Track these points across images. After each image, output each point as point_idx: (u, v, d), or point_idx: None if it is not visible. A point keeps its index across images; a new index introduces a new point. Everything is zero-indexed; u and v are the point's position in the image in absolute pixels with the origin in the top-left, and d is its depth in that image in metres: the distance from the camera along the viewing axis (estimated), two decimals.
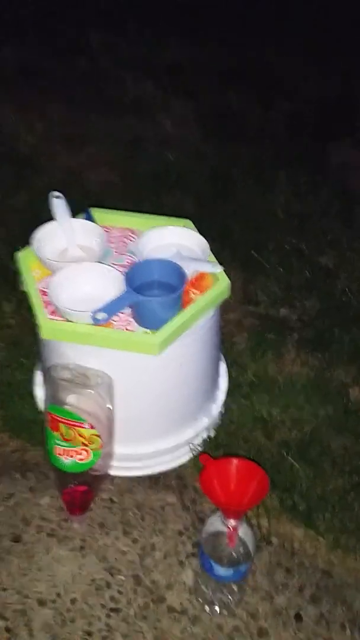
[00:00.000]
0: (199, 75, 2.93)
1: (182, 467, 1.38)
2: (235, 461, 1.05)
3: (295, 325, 1.71)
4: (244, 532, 1.07)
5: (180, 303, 1.21)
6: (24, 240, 1.32)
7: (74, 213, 1.39)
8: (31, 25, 3.33)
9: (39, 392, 1.46)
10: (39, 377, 1.49)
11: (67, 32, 3.27)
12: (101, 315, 1.15)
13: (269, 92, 2.79)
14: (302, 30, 3.29)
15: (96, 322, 1.15)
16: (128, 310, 1.22)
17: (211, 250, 1.34)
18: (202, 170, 2.27)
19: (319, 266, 1.86)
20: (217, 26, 3.32)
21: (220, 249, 1.81)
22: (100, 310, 1.15)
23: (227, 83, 2.86)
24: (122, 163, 2.33)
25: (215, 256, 1.33)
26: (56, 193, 1.36)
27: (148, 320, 1.20)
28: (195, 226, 1.40)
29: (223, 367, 1.51)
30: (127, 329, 1.20)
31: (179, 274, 1.21)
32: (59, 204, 1.36)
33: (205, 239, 1.34)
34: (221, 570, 1.07)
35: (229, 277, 1.29)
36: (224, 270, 1.29)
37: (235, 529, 1.04)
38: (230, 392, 1.48)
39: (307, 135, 2.49)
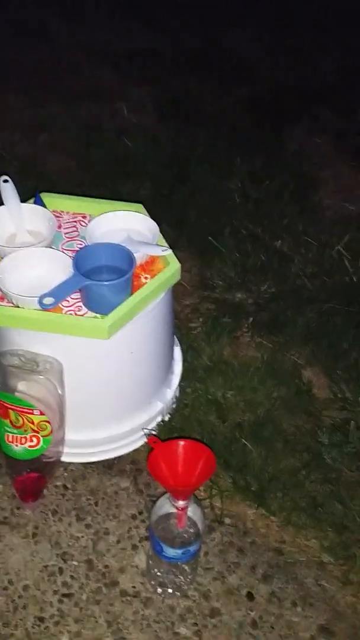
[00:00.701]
0: (157, 61, 2.91)
1: (136, 451, 1.38)
2: (181, 442, 1.05)
3: (250, 309, 1.71)
4: (192, 511, 1.08)
5: (129, 287, 1.20)
6: None
7: (28, 199, 1.37)
8: None
9: None
10: None
11: (25, 18, 3.22)
12: (48, 300, 1.14)
13: (227, 77, 2.79)
14: (261, 14, 3.29)
15: (44, 307, 1.14)
16: (78, 296, 1.21)
17: (168, 236, 1.33)
18: (159, 156, 2.26)
19: (274, 250, 1.87)
20: (176, 11, 3.29)
21: (177, 235, 1.82)
22: (47, 295, 1.14)
23: (185, 68, 2.85)
24: (79, 150, 2.31)
25: (171, 242, 1.32)
26: (4, 177, 1.34)
27: (97, 304, 1.19)
28: (152, 212, 1.39)
29: (178, 352, 1.51)
30: (76, 314, 1.19)
31: (128, 258, 1.20)
32: (7, 188, 1.33)
33: (162, 224, 1.34)
34: (170, 552, 1.08)
35: (184, 263, 1.29)
36: (178, 256, 1.29)
37: (184, 509, 1.05)
38: (185, 377, 1.48)
39: (264, 120, 2.49)
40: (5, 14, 3.23)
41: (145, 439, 1.37)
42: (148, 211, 1.39)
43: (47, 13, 3.23)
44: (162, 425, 1.39)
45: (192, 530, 1.09)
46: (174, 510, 1.06)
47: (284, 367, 1.56)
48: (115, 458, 1.36)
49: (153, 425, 1.39)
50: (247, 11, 3.30)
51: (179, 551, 1.08)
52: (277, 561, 1.22)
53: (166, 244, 1.32)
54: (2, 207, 1.33)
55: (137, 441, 1.38)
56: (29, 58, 2.90)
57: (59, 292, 1.15)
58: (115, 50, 2.98)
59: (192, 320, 1.68)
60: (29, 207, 1.36)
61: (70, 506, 1.29)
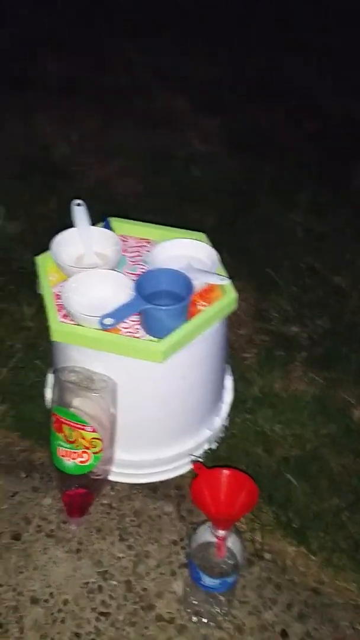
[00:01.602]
0: (229, 92, 2.97)
1: (181, 477, 1.39)
2: (226, 471, 1.06)
3: (304, 343, 1.71)
4: (232, 543, 1.08)
5: (186, 313, 1.23)
6: (50, 246, 1.36)
7: (98, 221, 1.42)
8: (72, 40, 3.42)
9: (50, 395, 1.49)
10: (51, 380, 1.52)
11: (106, 47, 3.36)
12: (108, 321, 1.18)
13: (297, 110, 2.82)
14: (335, 51, 3.32)
15: (104, 327, 1.18)
16: (137, 318, 1.25)
17: (228, 266, 1.36)
18: (225, 186, 2.31)
19: (332, 285, 1.86)
20: (250, 44, 3.36)
21: (237, 265, 1.84)
22: (108, 315, 1.18)
23: (256, 100, 2.90)
24: (148, 176, 2.38)
25: (231, 272, 1.35)
26: (77, 201, 1.40)
27: (154, 328, 1.22)
28: (214, 241, 1.42)
29: (229, 381, 1.52)
30: (134, 336, 1.23)
31: (187, 284, 1.23)
32: (79, 211, 1.39)
33: (223, 254, 1.37)
34: (208, 580, 1.08)
35: (242, 292, 1.31)
36: (236, 285, 1.31)
37: (223, 539, 1.05)
38: (234, 406, 1.49)
39: (331, 154, 2.50)
40: (86, 42, 3.37)
41: (190, 466, 1.38)
42: (210, 240, 1.42)
43: (126, 43, 3.35)
44: (208, 453, 1.40)
45: (230, 562, 1.10)
46: (213, 539, 1.07)
47: (335, 405, 1.54)
48: (160, 482, 1.38)
49: (200, 452, 1.40)
50: (318, 45, 3.33)
51: (217, 581, 1.08)
52: (314, 601, 1.21)
53: (225, 274, 1.34)
54: (73, 229, 1.39)
55: (183, 467, 1.39)
56: (106, 85, 3.02)
57: (119, 314, 1.19)
58: (189, 80, 3.07)
59: (245, 350, 1.69)
60: (98, 230, 1.41)
61: (114, 526, 1.31)
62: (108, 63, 3.22)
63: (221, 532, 1.04)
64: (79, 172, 2.42)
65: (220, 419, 1.44)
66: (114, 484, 1.37)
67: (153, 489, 1.38)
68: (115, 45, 3.38)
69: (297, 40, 3.38)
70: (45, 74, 3.12)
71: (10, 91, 2.91)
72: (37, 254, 1.39)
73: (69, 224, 1.39)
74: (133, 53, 3.30)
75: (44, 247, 1.37)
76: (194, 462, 1.34)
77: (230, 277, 1.32)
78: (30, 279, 1.77)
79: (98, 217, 1.44)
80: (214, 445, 1.42)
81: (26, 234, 2.02)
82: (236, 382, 1.54)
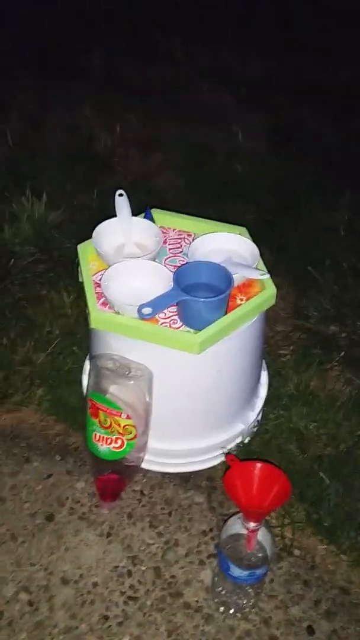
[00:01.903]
0: (274, 89, 2.95)
1: (213, 469, 1.40)
2: (259, 464, 1.06)
3: (343, 343, 1.70)
4: (262, 536, 1.09)
5: (225, 306, 1.24)
6: (90, 236, 1.38)
7: (138, 213, 1.44)
8: (120, 32, 3.45)
9: (86, 381, 1.51)
10: (87, 366, 1.54)
11: (153, 41, 3.37)
12: (146, 310, 1.19)
13: (342, 109, 2.79)
14: None
15: (142, 316, 1.19)
16: (174, 309, 1.26)
17: (267, 261, 1.36)
18: (267, 182, 2.30)
19: None
20: (299, 42, 3.34)
21: (277, 262, 1.84)
22: (146, 305, 1.19)
23: (301, 98, 2.87)
24: (190, 169, 2.38)
25: (270, 267, 1.35)
26: (120, 191, 1.42)
27: (192, 319, 1.23)
28: (255, 236, 1.42)
29: (265, 376, 1.52)
30: (171, 327, 1.24)
31: (227, 278, 1.24)
32: (121, 201, 1.41)
33: (263, 250, 1.37)
34: (237, 571, 1.09)
35: (281, 289, 1.30)
36: (275, 282, 1.31)
37: (254, 531, 1.06)
38: (269, 402, 1.49)
39: None
40: (135, 38, 3.40)
41: (222, 458, 1.39)
42: (251, 235, 1.42)
43: (173, 38, 3.36)
44: (240, 447, 1.41)
45: (260, 554, 1.10)
46: (244, 531, 1.07)
47: None
48: (191, 472, 1.39)
49: (232, 445, 1.41)
50: None
51: (246, 572, 1.09)
52: (342, 600, 1.20)
53: (265, 269, 1.34)
54: (115, 219, 1.40)
55: (215, 459, 1.40)
56: (153, 80, 3.04)
57: (158, 304, 1.20)
58: (235, 76, 3.06)
59: (282, 347, 1.69)
60: (139, 220, 1.43)
61: (145, 512, 1.33)
62: (154, 56, 3.23)
63: (252, 525, 1.05)
64: (120, 164, 2.44)
65: (254, 414, 1.44)
66: (146, 471, 1.38)
67: (185, 479, 1.39)
68: (162, 39, 3.39)
69: (347, 38, 3.33)
70: (91, 65, 3.15)
71: (57, 81, 2.95)
72: (77, 242, 1.41)
73: (110, 215, 1.41)
74: (179, 47, 3.31)
75: (84, 236, 1.39)
76: (227, 454, 1.34)
77: (270, 272, 1.31)
78: (70, 267, 1.82)
79: (138, 209, 1.45)
80: (247, 440, 1.42)
81: (67, 223, 2.05)
82: (272, 378, 1.54)
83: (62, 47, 3.28)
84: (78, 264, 1.38)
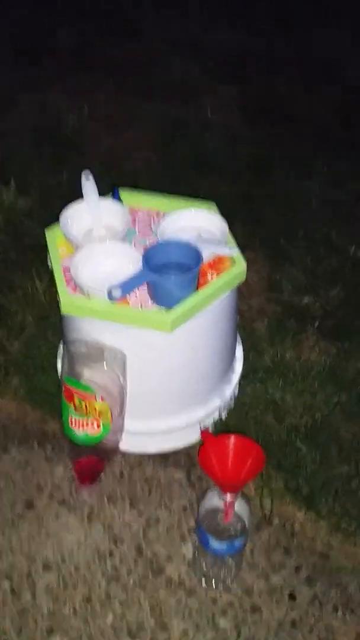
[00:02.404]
0: (245, 60, 2.92)
1: (192, 446, 1.41)
2: (232, 438, 1.07)
3: (317, 313, 1.70)
4: (240, 507, 1.10)
5: (195, 283, 1.24)
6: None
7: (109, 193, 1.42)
8: (86, 8, 3.38)
9: (61, 366, 1.51)
10: (62, 351, 1.54)
11: (119, 15, 3.31)
12: (116, 292, 1.19)
13: (315, 78, 2.77)
14: (354, 15, 3.23)
15: (111, 298, 1.19)
16: (146, 290, 1.26)
17: (241, 236, 1.36)
18: (240, 155, 2.28)
19: (347, 256, 1.84)
20: (265, 10, 3.29)
21: (251, 235, 1.84)
22: (115, 286, 1.19)
23: (273, 68, 2.85)
24: (162, 146, 2.36)
25: (244, 242, 1.35)
26: (86, 172, 1.40)
27: (163, 298, 1.23)
28: (228, 211, 1.41)
29: (240, 351, 1.52)
30: (142, 307, 1.24)
31: (196, 255, 1.23)
32: (88, 184, 1.39)
33: (236, 224, 1.37)
34: (216, 544, 1.10)
35: (254, 263, 1.31)
36: (248, 256, 1.30)
37: (231, 504, 1.07)
38: (245, 376, 1.50)
39: (350, 123, 2.45)
40: (100, 10, 3.33)
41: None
42: (224, 210, 1.41)
43: (140, 10, 3.30)
44: (218, 422, 1.42)
45: (238, 526, 1.11)
46: (221, 504, 1.09)
47: (347, 374, 1.54)
48: (170, 450, 1.40)
49: (210, 421, 1.42)
50: (339, 11, 3.24)
51: (224, 544, 1.10)
52: (322, 565, 1.22)
53: (235, 244, 1.34)
54: (82, 201, 1.39)
55: (193, 435, 1.40)
56: (120, 54, 2.99)
57: (127, 285, 1.20)
58: (204, 48, 3.02)
59: (256, 321, 1.69)
60: (107, 202, 1.41)
61: (125, 493, 1.34)
62: (120, 32, 3.17)
63: (228, 497, 1.06)
64: (91, 143, 2.41)
65: (230, 388, 1.45)
66: (124, 452, 1.39)
67: (164, 457, 1.40)
68: (130, 14, 3.33)
69: (318, 9, 3.29)
70: (56, 45, 3.09)
71: (22, 63, 2.89)
72: (48, 228, 1.40)
73: (80, 197, 1.39)
74: (146, 22, 3.25)
75: (55, 221, 1.38)
76: (202, 430, 1.35)
77: (243, 247, 1.31)
78: (41, 253, 1.79)
79: (110, 189, 1.44)
80: (224, 415, 1.43)
81: (37, 207, 2.03)
82: (247, 352, 1.54)
83: (28, 26, 3.21)
84: (47, 250, 1.37)
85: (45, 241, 1.38)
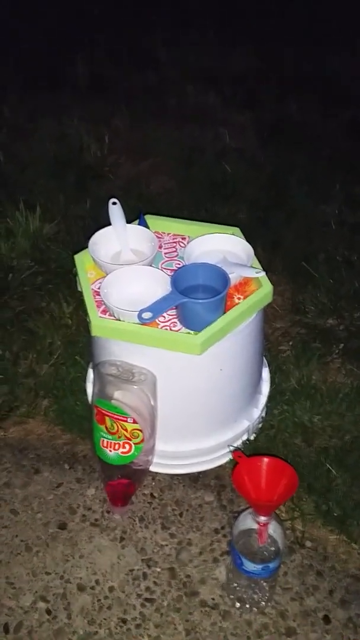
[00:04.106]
0: (259, 86, 2.97)
1: (221, 467, 1.41)
2: (265, 459, 1.08)
3: (341, 335, 1.71)
4: (274, 529, 1.10)
5: (223, 306, 1.25)
6: (85, 245, 1.40)
7: (131, 219, 1.46)
8: (103, 39, 3.47)
9: (90, 389, 1.52)
10: (90, 374, 1.56)
11: (135, 45, 3.39)
12: (147, 315, 1.21)
13: (330, 102, 2.81)
14: None
15: (142, 321, 1.21)
16: (174, 312, 1.28)
17: (262, 259, 1.38)
18: (258, 179, 2.31)
19: None
20: (282, 36, 3.35)
21: (271, 258, 1.86)
22: (146, 309, 1.21)
23: (287, 93, 2.89)
24: (180, 172, 2.40)
25: (265, 265, 1.37)
26: (113, 200, 1.44)
27: (191, 321, 1.25)
28: (248, 235, 1.44)
29: (266, 373, 1.54)
30: (171, 329, 1.25)
31: (223, 278, 1.26)
32: (115, 210, 1.43)
33: (257, 247, 1.39)
34: (251, 566, 1.10)
35: (277, 286, 1.32)
36: (271, 279, 1.32)
37: (265, 525, 1.07)
38: (272, 398, 1.51)
39: None
40: (115, 41, 3.41)
41: (230, 456, 1.41)
42: (244, 234, 1.44)
43: (154, 40, 3.38)
44: (247, 444, 1.42)
45: (272, 548, 1.12)
46: (255, 526, 1.09)
47: None
48: (200, 472, 1.41)
49: (238, 443, 1.42)
50: (350, 36, 3.30)
51: (259, 566, 1.10)
52: (356, 588, 1.22)
53: (260, 267, 1.36)
54: (110, 227, 1.42)
55: (223, 457, 1.41)
56: (136, 83, 3.05)
57: (157, 308, 1.22)
58: (219, 74, 3.08)
59: (282, 343, 1.70)
60: (134, 227, 1.44)
61: (157, 514, 1.34)
62: (136, 61, 3.25)
63: (263, 519, 1.07)
64: (111, 171, 2.46)
65: (258, 410, 1.46)
66: (154, 474, 1.40)
67: (193, 479, 1.40)
68: (143, 43, 3.41)
69: (330, 31, 3.36)
70: (75, 73, 3.16)
71: (42, 91, 2.96)
72: (74, 252, 1.43)
73: (104, 223, 1.43)
74: (161, 50, 3.33)
75: (80, 246, 1.41)
76: (234, 450, 1.36)
77: (265, 270, 1.33)
78: (67, 277, 1.83)
79: (131, 215, 1.47)
80: (252, 436, 1.44)
81: (62, 233, 2.07)
82: (273, 374, 1.55)
83: (45, 57, 3.30)
84: (76, 274, 1.39)
85: (72, 265, 1.41)
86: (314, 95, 2.85)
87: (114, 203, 1.43)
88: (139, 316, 1.21)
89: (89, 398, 1.51)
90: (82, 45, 3.38)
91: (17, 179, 2.35)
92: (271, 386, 1.52)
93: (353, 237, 2.02)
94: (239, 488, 1.09)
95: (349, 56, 3.14)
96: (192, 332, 1.24)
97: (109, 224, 1.42)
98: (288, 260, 1.92)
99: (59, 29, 3.58)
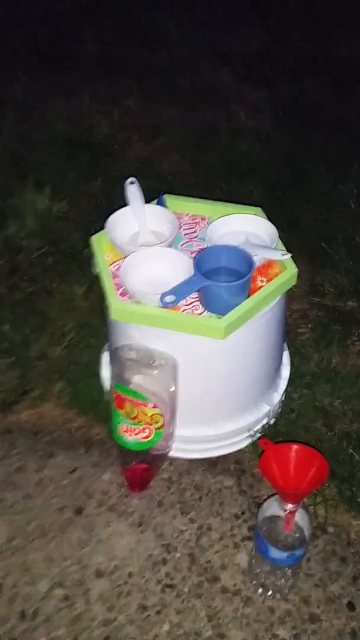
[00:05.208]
0: (274, 64, 2.91)
1: (240, 452, 1.39)
2: (295, 446, 1.06)
3: None
4: (300, 517, 1.08)
5: (247, 289, 1.23)
6: (97, 225, 1.36)
7: (146, 199, 1.42)
8: (112, 18, 3.40)
9: (105, 373, 1.50)
10: (105, 358, 1.53)
11: (145, 23, 3.32)
12: (170, 298, 1.18)
13: (346, 82, 2.75)
14: None
15: (165, 304, 1.18)
16: (195, 295, 1.25)
17: (280, 239, 1.35)
18: (274, 159, 2.27)
19: None
20: (294, 15, 3.28)
21: (289, 239, 1.81)
22: (169, 293, 1.18)
23: (303, 72, 2.83)
24: (194, 152, 2.36)
25: (283, 246, 1.34)
26: (131, 179, 1.40)
27: (215, 305, 1.22)
28: (266, 215, 1.40)
29: (286, 356, 1.51)
30: (193, 313, 1.23)
31: (247, 260, 1.22)
32: (133, 189, 1.39)
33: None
34: (276, 553, 1.09)
35: (297, 267, 1.29)
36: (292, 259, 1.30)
37: (292, 513, 1.06)
38: (292, 381, 1.48)
39: None
40: (125, 20, 3.34)
41: (249, 440, 1.39)
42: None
43: (164, 18, 3.31)
44: (267, 428, 1.40)
45: (297, 535, 1.10)
46: (281, 513, 1.07)
47: None
48: (219, 456, 1.39)
49: (258, 427, 1.40)
50: None
51: (285, 554, 1.09)
52: None
53: (284, 248, 1.33)
54: (127, 207, 1.39)
55: (242, 441, 1.39)
56: (147, 62, 2.99)
57: (180, 291, 1.19)
58: (232, 53, 3.01)
59: (300, 326, 1.68)
60: (152, 207, 1.41)
61: (175, 499, 1.33)
62: (146, 40, 3.18)
63: (290, 506, 1.05)
64: (122, 150, 2.41)
65: (278, 394, 1.44)
66: (173, 458, 1.38)
67: (212, 464, 1.38)
68: (153, 22, 3.34)
69: (346, 9, 3.28)
70: (85, 52, 3.10)
71: (53, 71, 2.91)
72: (84, 233, 1.39)
73: (115, 203, 1.39)
74: (172, 27, 3.26)
75: (91, 226, 1.37)
76: (260, 437, 1.34)
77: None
78: (79, 258, 1.80)
79: (145, 195, 1.43)
80: (272, 421, 1.42)
81: (72, 213, 2.03)
82: (293, 357, 1.53)
83: (54, 36, 3.24)
84: (92, 256, 1.36)
85: (84, 246, 1.38)
86: (329, 73, 2.79)
87: (132, 182, 1.40)
88: (162, 299, 1.18)
89: (104, 382, 1.49)
90: (92, 24, 3.31)
91: (27, 157, 2.31)
92: (291, 369, 1.49)
93: None
94: (266, 475, 1.07)
95: None
96: (214, 315, 1.21)
97: (121, 203, 1.38)
98: (306, 241, 1.88)
99: (68, 8, 3.51)
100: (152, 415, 1.23)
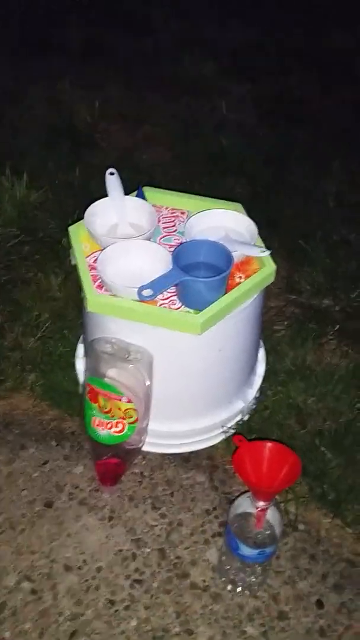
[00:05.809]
0: (259, 58, 2.90)
1: (213, 448, 1.39)
2: (269, 444, 1.06)
3: (337, 316, 1.69)
4: (271, 514, 1.09)
5: (225, 285, 1.22)
6: (75, 215, 1.34)
7: (126, 191, 1.40)
8: (98, 3, 3.35)
9: (79, 365, 1.49)
10: (80, 350, 1.52)
11: (129, 12, 3.28)
12: (147, 292, 1.16)
13: (330, 77, 2.75)
14: None
15: (142, 298, 1.17)
16: (173, 290, 1.24)
17: (259, 235, 1.34)
18: (255, 154, 2.26)
19: None
20: (280, 9, 3.27)
21: (268, 236, 1.81)
22: (146, 286, 1.17)
23: (287, 67, 2.83)
24: (176, 144, 2.34)
25: (262, 243, 1.33)
26: (111, 170, 1.38)
27: (192, 300, 1.21)
28: (246, 211, 1.40)
29: (262, 353, 1.51)
30: (170, 308, 1.22)
31: (226, 256, 1.22)
32: (112, 180, 1.38)
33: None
34: (247, 550, 1.09)
35: (275, 265, 1.29)
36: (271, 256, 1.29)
37: (264, 510, 1.06)
38: (267, 379, 1.48)
39: None
40: (111, 8, 3.30)
41: (223, 436, 1.38)
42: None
43: (151, 8, 3.27)
44: (240, 425, 1.40)
45: (268, 533, 1.10)
46: (253, 510, 1.07)
47: None
48: (191, 452, 1.38)
49: (232, 423, 1.40)
50: (355, 11, 3.23)
51: (255, 551, 1.09)
52: (349, 572, 1.21)
53: (263, 245, 1.32)
54: (106, 198, 1.37)
55: (215, 437, 1.39)
56: (132, 51, 2.96)
57: (158, 285, 1.18)
58: (217, 46, 2.99)
59: (276, 323, 1.68)
60: (132, 200, 1.39)
61: (147, 494, 1.32)
62: (131, 27, 3.14)
63: (261, 504, 1.05)
64: (103, 139, 2.38)
65: (253, 391, 1.44)
66: (145, 453, 1.37)
67: (185, 459, 1.38)
68: (139, 9, 3.30)
69: (333, 4, 3.27)
70: (68, 38, 3.06)
71: (34, 57, 2.86)
72: (62, 222, 1.37)
73: (94, 193, 1.37)
74: (153, 16, 3.23)
75: (69, 216, 1.35)
76: (234, 434, 1.34)
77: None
78: (56, 248, 1.78)
79: (125, 187, 1.42)
80: (246, 417, 1.42)
81: (50, 202, 2.00)
82: (268, 354, 1.53)
83: (37, 20, 3.18)
84: (69, 246, 1.34)
85: (62, 236, 1.36)
86: (315, 69, 2.79)
87: (112, 173, 1.38)
88: (139, 293, 1.16)
89: (78, 374, 1.47)
90: (76, 8, 3.26)
91: (5, 144, 2.27)
92: (266, 367, 1.49)
93: (352, 216, 1.99)
94: (239, 472, 1.06)
95: (353, 32, 3.07)
96: (191, 311, 1.20)
97: (100, 193, 1.36)
98: (284, 238, 1.87)
99: None
100: (125, 410, 1.22)
